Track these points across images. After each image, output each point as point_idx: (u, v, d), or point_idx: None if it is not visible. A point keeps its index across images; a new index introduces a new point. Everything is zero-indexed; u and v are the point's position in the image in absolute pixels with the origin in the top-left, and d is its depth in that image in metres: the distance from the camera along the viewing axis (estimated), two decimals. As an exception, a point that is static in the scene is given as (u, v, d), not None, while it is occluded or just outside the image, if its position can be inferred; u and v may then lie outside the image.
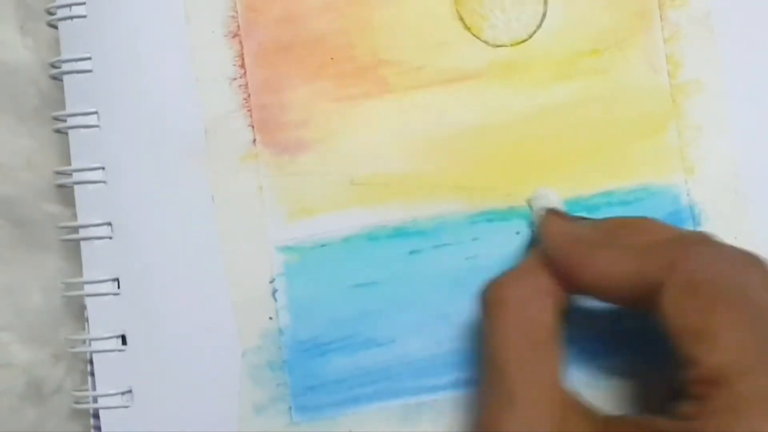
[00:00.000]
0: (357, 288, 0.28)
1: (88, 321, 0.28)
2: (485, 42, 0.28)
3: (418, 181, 0.28)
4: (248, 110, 0.28)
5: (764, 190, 0.28)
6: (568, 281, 0.23)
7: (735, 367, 0.20)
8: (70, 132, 0.28)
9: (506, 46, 0.28)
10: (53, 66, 0.28)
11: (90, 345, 0.28)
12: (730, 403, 0.20)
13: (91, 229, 0.28)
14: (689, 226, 0.27)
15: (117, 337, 0.28)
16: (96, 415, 0.28)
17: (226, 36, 0.28)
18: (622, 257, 0.23)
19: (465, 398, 0.27)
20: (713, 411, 0.20)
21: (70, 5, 0.28)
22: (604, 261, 0.23)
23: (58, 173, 0.28)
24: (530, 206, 0.27)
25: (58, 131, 0.28)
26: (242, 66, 0.28)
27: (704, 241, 0.23)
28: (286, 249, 0.28)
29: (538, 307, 0.23)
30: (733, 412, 0.20)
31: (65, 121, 0.28)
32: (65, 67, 0.28)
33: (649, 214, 0.27)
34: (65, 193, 0.29)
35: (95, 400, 0.28)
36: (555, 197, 0.26)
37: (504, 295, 0.23)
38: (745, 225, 0.28)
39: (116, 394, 0.28)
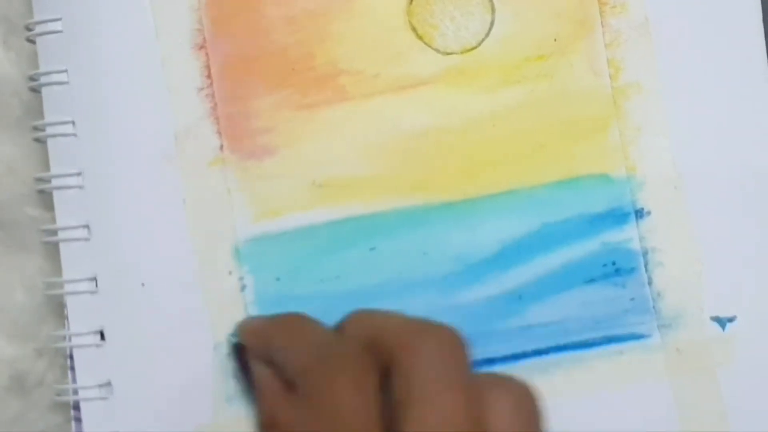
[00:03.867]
0: (320, 283, 0.29)
1: (68, 318, 0.29)
2: (436, 50, 0.29)
3: (377, 182, 0.29)
4: (216, 118, 0.29)
5: (701, 186, 0.29)
6: None
7: None
8: (49, 140, 0.29)
9: (456, 53, 0.29)
10: (32, 78, 0.29)
11: (70, 340, 0.29)
12: None
13: (70, 231, 0.29)
14: (632, 221, 0.29)
15: (95, 332, 0.29)
16: (76, 407, 0.29)
17: (193, 48, 0.29)
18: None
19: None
20: None
21: (46, 21, 0.29)
22: None
23: (38, 179, 0.29)
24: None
25: (37, 140, 0.29)
26: (209, 76, 0.29)
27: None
28: (254, 247, 0.29)
29: None
30: None
31: (44, 130, 0.29)
32: (43, 79, 0.29)
33: (593, 209, 0.29)
34: (45, 198, 0.30)
35: (75, 392, 0.29)
36: None
37: None
38: (684, 218, 0.29)
39: (95, 386, 0.29)
